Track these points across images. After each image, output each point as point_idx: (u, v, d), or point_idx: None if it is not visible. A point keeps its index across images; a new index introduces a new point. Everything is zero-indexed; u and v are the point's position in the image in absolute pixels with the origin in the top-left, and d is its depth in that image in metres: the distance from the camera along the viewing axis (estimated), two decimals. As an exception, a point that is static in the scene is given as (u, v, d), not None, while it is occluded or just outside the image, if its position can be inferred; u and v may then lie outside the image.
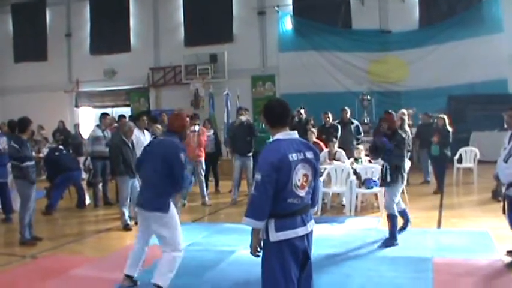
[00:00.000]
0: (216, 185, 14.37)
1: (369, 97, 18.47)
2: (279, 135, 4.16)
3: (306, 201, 4.16)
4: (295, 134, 4.24)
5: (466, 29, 18.45)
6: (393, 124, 8.25)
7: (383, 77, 19.76)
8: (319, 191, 9.56)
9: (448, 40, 18.76)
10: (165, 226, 5.76)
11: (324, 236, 7.76)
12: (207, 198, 12.32)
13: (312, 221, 4.25)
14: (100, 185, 12.56)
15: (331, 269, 6.69)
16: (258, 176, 3.98)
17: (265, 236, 4.05)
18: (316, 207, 4.58)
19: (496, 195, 11.36)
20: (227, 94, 18.60)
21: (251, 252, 4.13)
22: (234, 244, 7.76)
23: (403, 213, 8.50)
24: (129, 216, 9.85)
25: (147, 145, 6.50)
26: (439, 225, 9.39)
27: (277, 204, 3.99)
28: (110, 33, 23.55)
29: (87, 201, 12.62)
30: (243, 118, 12.66)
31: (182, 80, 22.06)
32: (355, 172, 10.79)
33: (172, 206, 5.83)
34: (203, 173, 12.37)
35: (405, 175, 8.29)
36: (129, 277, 6.20)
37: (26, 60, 25.07)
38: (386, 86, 19.82)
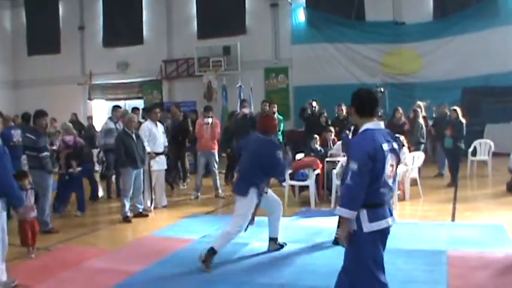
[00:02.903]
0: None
1: (382, 89, 18.28)
2: (369, 125, 4.11)
3: (393, 190, 4.17)
4: (382, 125, 4.22)
5: (481, 20, 18.15)
6: None
7: (397, 69, 19.64)
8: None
9: (463, 32, 18.52)
10: (237, 206, 6.77)
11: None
12: (220, 190, 12.29)
13: (393, 210, 4.26)
14: (113, 178, 12.56)
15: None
16: (354, 166, 3.92)
17: (357, 226, 4.02)
18: None
19: (510, 188, 11.30)
20: (240, 86, 18.58)
21: (340, 244, 4.11)
22: (248, 236, 7.71)
23: None
24: (130, 209, 10.00)
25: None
26: (453, 218, 9.31)
27: (370, 194, 3.96)
28: (122, 26, 23.60)
29: (100, 193, 12.69)
30: (246, 110, 12.69)
31: (195, 72, 22.06)
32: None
33: (252, 194, 6.58)
34: (216, 165, 12.29)
35: None
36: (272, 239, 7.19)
37: (39, 53, 25.16)
38: (400, 78, 19.69)
